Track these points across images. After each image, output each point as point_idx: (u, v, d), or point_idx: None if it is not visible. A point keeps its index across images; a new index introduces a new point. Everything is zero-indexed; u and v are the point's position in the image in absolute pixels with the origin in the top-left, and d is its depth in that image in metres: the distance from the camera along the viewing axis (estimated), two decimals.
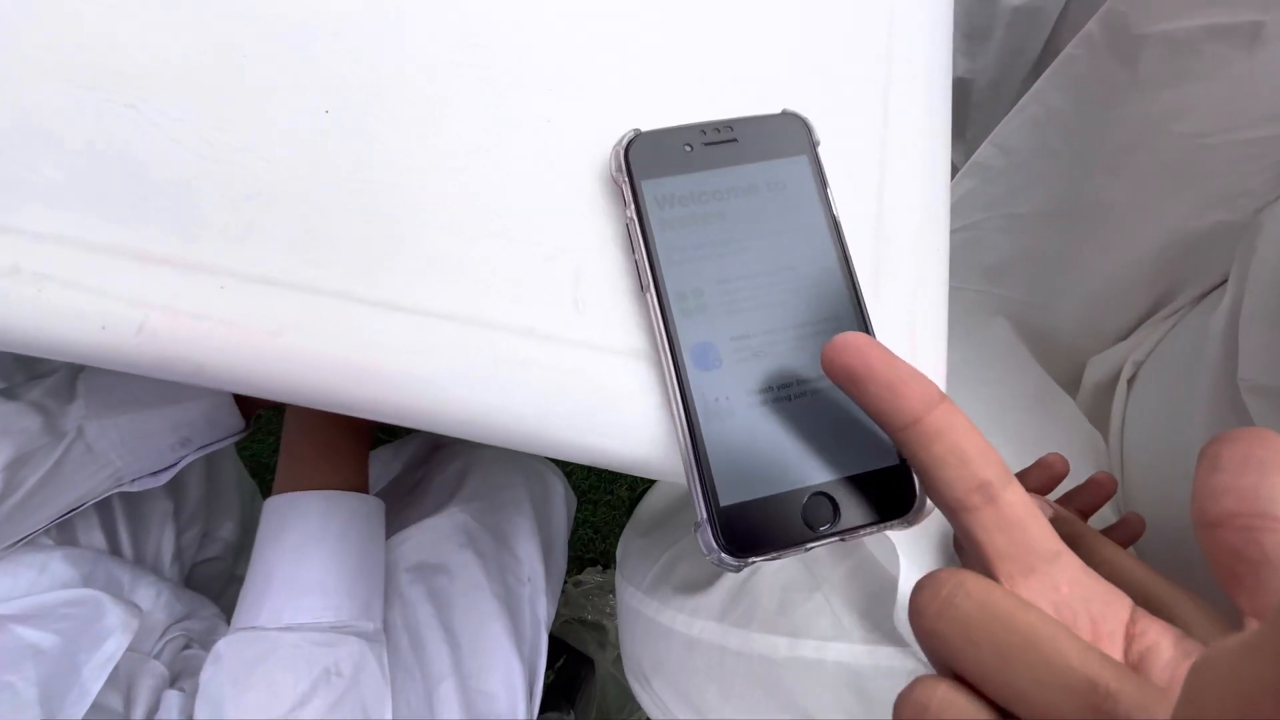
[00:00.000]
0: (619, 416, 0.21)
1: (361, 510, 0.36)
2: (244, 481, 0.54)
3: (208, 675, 0.32)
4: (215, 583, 0.49)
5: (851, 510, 0.20)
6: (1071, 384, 0.46)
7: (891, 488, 0.20)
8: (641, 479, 0.82)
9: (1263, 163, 0.35)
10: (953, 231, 0.47)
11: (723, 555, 0.19)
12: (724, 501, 0.19)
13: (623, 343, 0.21)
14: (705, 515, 0.19)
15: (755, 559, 0.19)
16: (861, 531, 0.20)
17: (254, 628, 0.32)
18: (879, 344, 0.17)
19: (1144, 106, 0.36)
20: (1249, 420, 0.31)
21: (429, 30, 0.23)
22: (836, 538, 0.20)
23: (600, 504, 0.91)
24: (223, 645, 0.32)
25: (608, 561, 0.89)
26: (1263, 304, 0.32)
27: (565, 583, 0.83)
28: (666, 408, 0.21)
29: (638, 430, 0.21)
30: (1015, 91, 0.44)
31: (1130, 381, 0.42)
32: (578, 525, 0.90)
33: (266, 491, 0.39)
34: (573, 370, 0.21)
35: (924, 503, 0.20)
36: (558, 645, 0.73)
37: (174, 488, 0.45)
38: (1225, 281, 0.36)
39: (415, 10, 0.23)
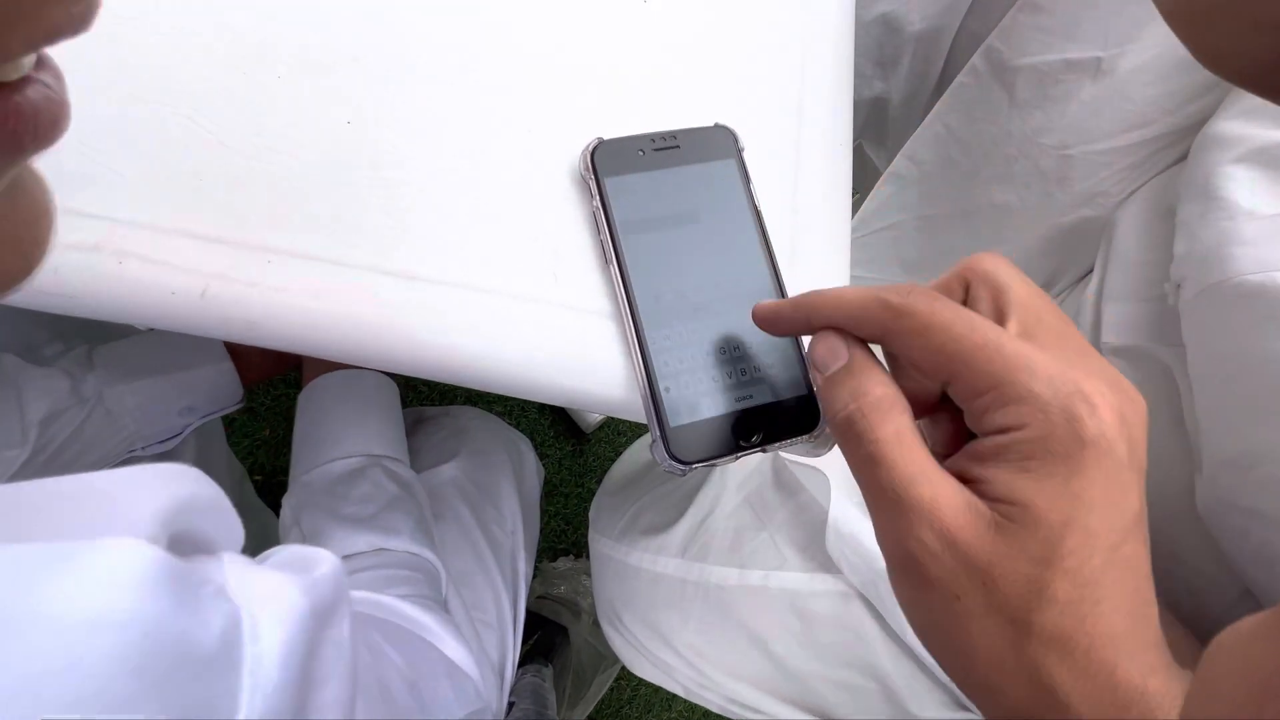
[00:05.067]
0: (590, 363, 0.27)
1: (383, 382, 0.43)
2: (234, 465, 0.58)
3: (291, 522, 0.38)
4: None
5: (770, 428, 0.26)
6: None
7: (800, 412, 0.26)
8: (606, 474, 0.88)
9: (1113, 169, 0.43)
10: (876, 231, 0.54)
11: (672, 463, 0.25)
12: (673, 424, 0.25)
13: (591, 305, 0.27)
14: (659, 435, 0.25)
15: (698, 465, 0.25)
16: (777, 444, 0.26)
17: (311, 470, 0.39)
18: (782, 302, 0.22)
19: (1020, 124, 0.44)
20: None
21: (432, 59, 0.29)
22: (758, 449, 0.25)
23: (571, 497, 0.96)
24: (288, 505, 0.39)
25: (579, 551, 0.94)
26: (1116, 284, 0.40)
27: (540, 564, 0.88)
28: (626, 355, 0.27)
29: (604, 373, 0.27)
30: (924, 107, 0.52)
31: None
32: (550, 518, 0.94)
33: (252, 478, 0.44)
34: (552, 327, 0.27)
35: (825, 424, 0.26)
36: (534, 619, 0.77)
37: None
38: (1095, 266, 0.43)
39: (420, 42, 0.29)
